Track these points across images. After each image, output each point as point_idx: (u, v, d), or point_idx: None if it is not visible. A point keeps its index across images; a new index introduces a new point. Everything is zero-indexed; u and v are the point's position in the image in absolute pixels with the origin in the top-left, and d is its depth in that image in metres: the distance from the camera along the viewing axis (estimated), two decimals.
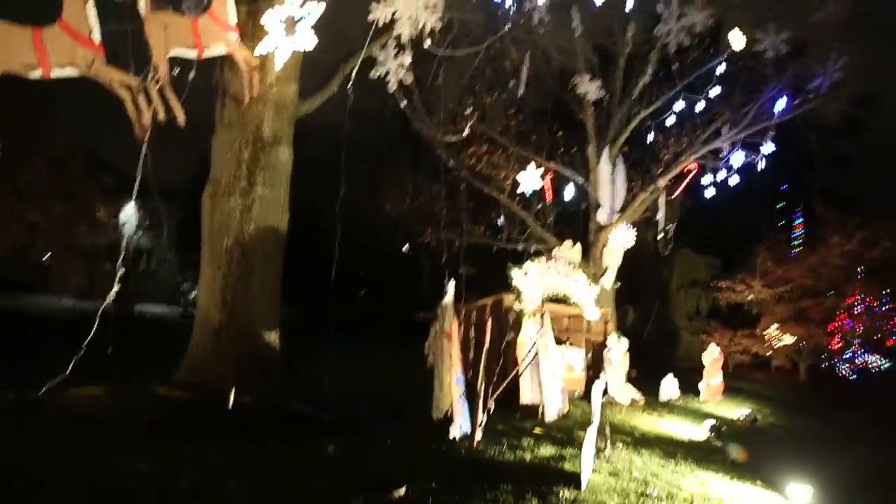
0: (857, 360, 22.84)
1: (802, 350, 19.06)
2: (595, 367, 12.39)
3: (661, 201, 16.23)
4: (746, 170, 16.40)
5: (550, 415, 9.07)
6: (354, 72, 8.65)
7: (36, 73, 6.06)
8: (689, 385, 13.84)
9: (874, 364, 22.94)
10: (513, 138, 19.48)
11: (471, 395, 7.55)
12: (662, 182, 16.67)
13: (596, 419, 6.43)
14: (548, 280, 11.05)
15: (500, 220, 20.05)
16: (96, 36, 6.13)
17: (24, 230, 19.53)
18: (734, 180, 16.59)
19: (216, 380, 7.81)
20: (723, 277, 19.78)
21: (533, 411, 9.35)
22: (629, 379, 15.68)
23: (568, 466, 6.34)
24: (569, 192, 18.76)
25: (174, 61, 6.86)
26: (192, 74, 7.50)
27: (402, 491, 4.92)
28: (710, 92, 15.28)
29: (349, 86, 8.46)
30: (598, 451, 7.18)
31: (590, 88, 14.49)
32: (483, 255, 22.07)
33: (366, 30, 7.94)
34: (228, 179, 8.34)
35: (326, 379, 7.67)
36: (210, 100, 9.03)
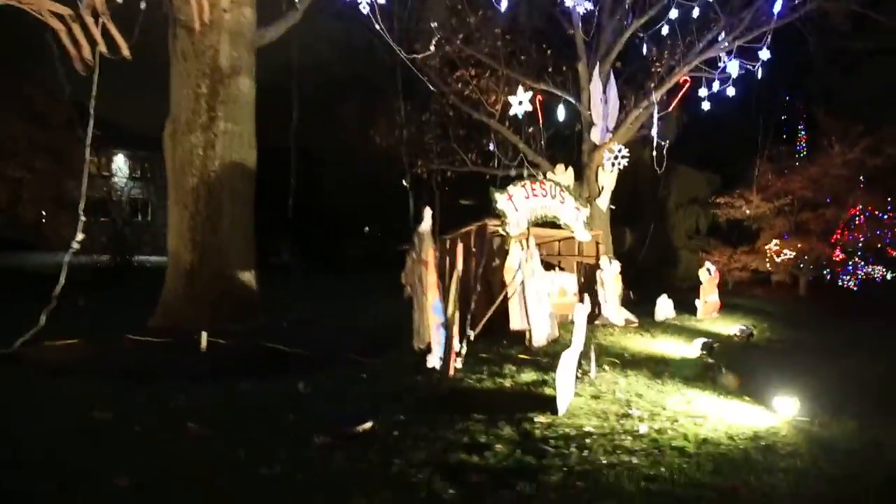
0: (859, 272, 22.65)
1: (803, 264, 18.78)
2: (588, 290, 12.20)
3: (655, 117, 15.59)
4: (745, 80, 15.68)
5: (538, 340, 8.90)
6: None
7: None
8: (689, 304, 13.68)
9: (878, 274, 22.75)
10: (501, 60, 18.70)
11: (460, 325, 7.37)
12: (656, 96, 15.99)
13: (576, 342, 6.22)
14: (534, 203, 10.70)
15: (492, 146, 19.50)
16: None
17: (7, 187, 19.16)
18: (731, 91, 15.85)
19: (191, 323, 7.64)
20: (722, 194, 19.29)
21: (521, 337, 9.20)
22: (628, 301, 15.61)
23: (549, 392, 6.16)
24: (560, 114, 18.07)
25: None
26: (143, 4, 6.95)
27: (368, 425, 4.76)
28: None
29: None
30: (584, 373, 7.04)
31: None
32: (482, 184, 21.70)
33: None
34: (188, 115, 7.91)
35: (296, 316, 7.45)
36: None
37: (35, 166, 19.51)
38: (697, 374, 7.70)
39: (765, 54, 14.59)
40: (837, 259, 21.36)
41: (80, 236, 7.16)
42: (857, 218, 19.79)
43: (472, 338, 7.26)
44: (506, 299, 9.60)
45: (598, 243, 12.40)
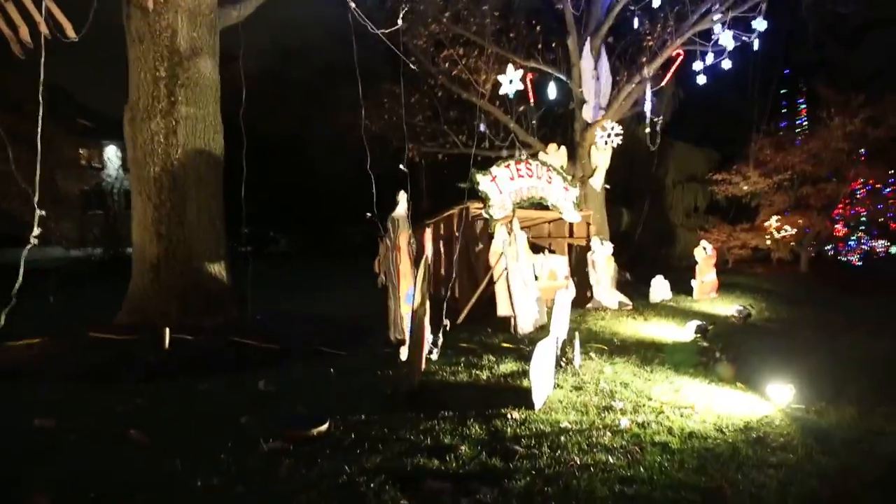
0: (862, 247, 22.21)
1: (805, 240, 18.32)
2: (580, 272, 11.82)
3: (648, 92, 15.07)
4: (742, 53, 15.14)
5: (523, 327, 8.54)
6: None
7: None
8: (686, 285, 13.29)
9: (881, 249, 22.30)
10: (489, 38, 18.18)
11: (436, 314, 7.02)
12: (648, 71, 15.47)
13: (555, 330, 5.85)
14: (519, 184, 10.31)
15: (482, 127, 19.04)
16: None
17: None
18: (727, 64, 15.30)
19: (158, 319, 7.30)
20: (720, 170, 18.79)
21: (508, 324, 8.85)
22: (624, 283, 15.23)
23: (527, 384, 5.77)
24: (552, 92, 17.57)
25: None
26: None
27: (324, 427, 4.41)
28: None
29: None
30: (568, 362, 6.69)
31: None
32: (475, 166, 21.27)
33: None
34: (147, 100, 7.48)
35: (252, 308, 7.08)
36: None
37: (21, 159, 18.99)
38: (689, 360, 7.33)
39: (760, 24, 14.06)
40: (839, 234, 20.92)
41: (36, 231, 6.73)
42: (858, 192, 19.30)
43: (448, 328, 6.89)
44: (491, 285, 9.25)
45: (588, 224, 12.00)
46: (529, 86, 17.44)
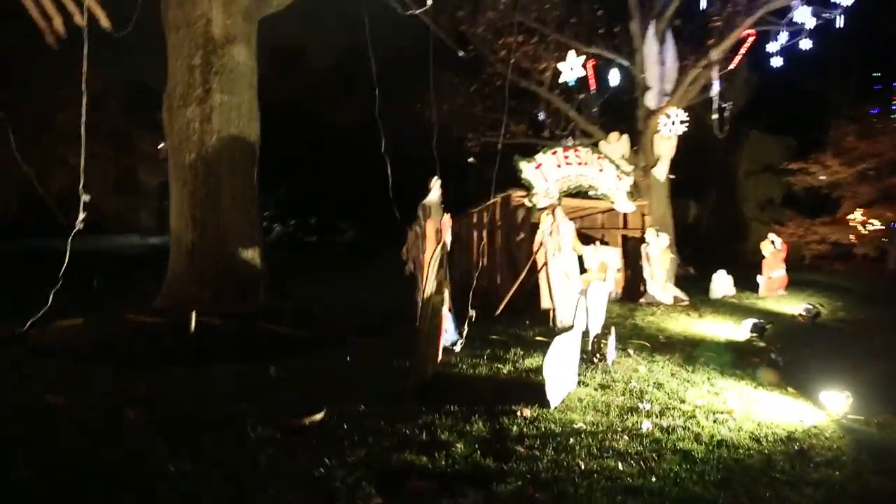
0: None
1: (893, 235, 16.76)
2: (634, 266, 11.24)
3: (715, 76, 14.13)
4: (824, 30, 13.93)
5: (563, 321, 8.13)
6: None
7: None
8: (754, 281, 12.39)
9: None
10: (550, 24, 17.64)
11: (464, 304, 6.78)
12: (715, 54, 14.50)
13: (581, 324, 5.47)
14: (567, 171, 9.86)
15: (542, 116, 18.50)
16: None
17: (69, 173, 19.80)
18: (807, 44, 14.11)
19: (192, 303, 7.39)
20: (796, 159, 17.43)
21: (548, 317, 8.47)
22: (686, 277, 14.42)
23: None
24: (614, 79, 16.84)
25: None
26: None
27: (320, 415, 4.25)
28: None
29: None
30: (602, 359, 6.28)
31: None
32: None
33: None
34: (183, 88, 7.58)
35: (293, 295, 7.02)
36: None
37: (95, 151, 20.14)
38: (739, 361, 6.75)
39: None
40: None
41: (81, 216, 6.90)
42: None
43: (474, 318, 6.61)
44: (532, 275, 8.89)
45: (643, 214, 11.37)
46: (591, 72, 16.81)
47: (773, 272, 11.94)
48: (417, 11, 7.03)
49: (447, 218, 5.89)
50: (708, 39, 15.41)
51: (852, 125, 16.49)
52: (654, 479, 3.59)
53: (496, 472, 3.57)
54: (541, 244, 8.35)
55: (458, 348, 6.33)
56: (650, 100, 16.51)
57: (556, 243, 8.38)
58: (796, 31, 13.77)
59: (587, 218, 11.84)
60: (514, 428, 4.29)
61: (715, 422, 4.68)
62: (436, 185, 7.39)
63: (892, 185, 16.04)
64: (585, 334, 6.44)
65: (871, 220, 16.76)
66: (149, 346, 6.41)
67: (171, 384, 5.21)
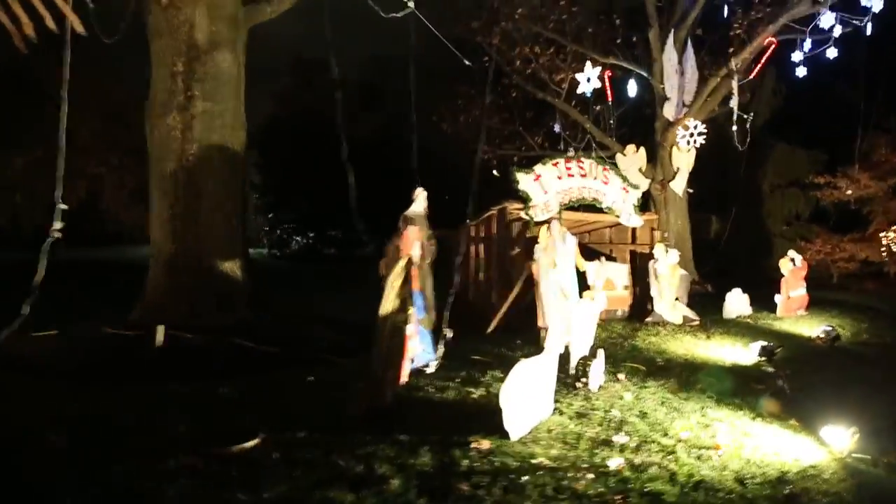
0: None
1: None
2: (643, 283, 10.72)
3: (735, 86, 13.56)
4: (853, 39, 13.26)
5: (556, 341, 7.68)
6: None
7: None
8: (773, 300, 11.71)
9: None
10: (567, 35, 17.28)
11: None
12: (735, 63, 13.93)
13: (555, 347, 5.05)
14: (569, 183, 9.44)
15: (557, 128, 18.07)
16: None
17: (87, 183, 20.13)
18: (832, 53, 13.42)
19: (170, 316, 7.17)
20: (823, 173, 16.62)
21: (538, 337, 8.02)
22: (703, 295, 13.77)
23: None
24: (631, 90, 16.34)
25: None
26: None
27: (252, 443, 3.91)
28: None
29: None
30: (585, 384, 5.83)
31: None
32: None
33: None
34: (164, 96, 7.41)
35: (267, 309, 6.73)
36: None
37: (117, 164, 20.41)
38: (741, 388, 6.21)
39: (876, 3, 12.19)
40: None
41: (57, 225, 6.75)
42: None
43: (449, 337, 6.22)
44: (529, 293, 8.46)
45: (652, 229, 10.86)
46: (608, 83, 16.36)
47: (792, 291, 11.26)
48: (399, 14, 6.70)
49: (413, 230, 5.53)
50: (729, 48, 14.86)
51: (884, 137, 15.66)
52: None
53: None
54: (534, 260, 7.93)
55: (431, 369, 5.95)
56: (668, 111, 15.99)
57: (550, 259, 7.95)
58: (822, 39, 13.13)
59: (595, 233, 11.36)
60: (465, 462, 3.88)
61: (697, 458, 4.20)
62: (421, 196, 7.03)
63: None
64: (566, 357, 6.01)
65: None
66: (115, 360, 6.17)
67: (117, 403, 4.94)
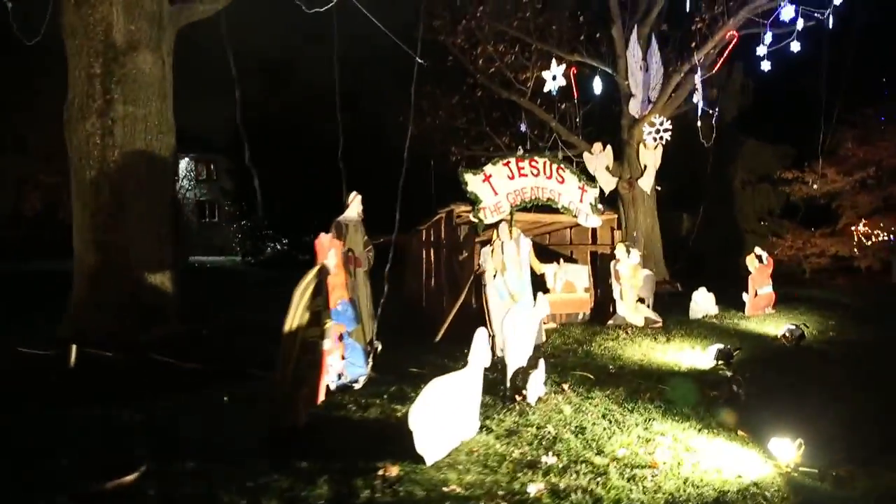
0: None
1: (895, 247, 15.72)
2: (603, 284, 10.41)
3: (698, 81, 13.32)
4: (816, 33, 13.10)
5: (502, 349, 7.31)
6: None
7: None
8: (741, 298, 11.43)
9: None
10: (531, 33, 17.01)
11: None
12: (698, 57, 13.71)
13: (478, 361, 4.68)
14: (521, 183, 9.07)
15: (523, 128, 17.78)
16: None
17: (43, 193, 19.41)
18: (795, 47, 13.23)
19: (97, 332, 6.71)
20: (790, 169, 16.46)
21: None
22: (672, 294, 13.51)
23: None
24: (597, 87, 16.08)
25: None
26: None
27: (132, 477, 3.49)
28: None
29: None
30: (522, 397, 5.47)
31: None
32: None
33: None
34: (81, 100, 6.95)
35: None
36: None
37: (67, 170, 19.57)
38: (693, 396, 5.90)
39: None
40: None
41: None
42: None
43: (379, 350, 5.84)
44: (479, 299, 8.11)
45: (612, 228, 10.54)
46: (573, 81, 16.09)
47: (760, 289, 11.01)
48: (322, 9, 6.30)
49: (324, 238, 5.14)
50: (692, 43, 14.65)
51: (850, 131, 15.52)
52: None
53: None
54: (480, 265, 7.57)
55: (359, 385, 5.56)
56: (634, 108, 15.76)
57: (498, 263, 7.59)
58: (785, 32, 12.94)
59: (555, 234, 11.03)
60: (366, 493, 3.49)
61: (630, 480, 3.85)
62: (355, 200, 6.67)
63: (892, 194, 15.04)
64: (493, 369, 5.66)
65: (875, 231, 15.73)
66: (22, 382, 5.71)
67: (5, 431, 4.49)
